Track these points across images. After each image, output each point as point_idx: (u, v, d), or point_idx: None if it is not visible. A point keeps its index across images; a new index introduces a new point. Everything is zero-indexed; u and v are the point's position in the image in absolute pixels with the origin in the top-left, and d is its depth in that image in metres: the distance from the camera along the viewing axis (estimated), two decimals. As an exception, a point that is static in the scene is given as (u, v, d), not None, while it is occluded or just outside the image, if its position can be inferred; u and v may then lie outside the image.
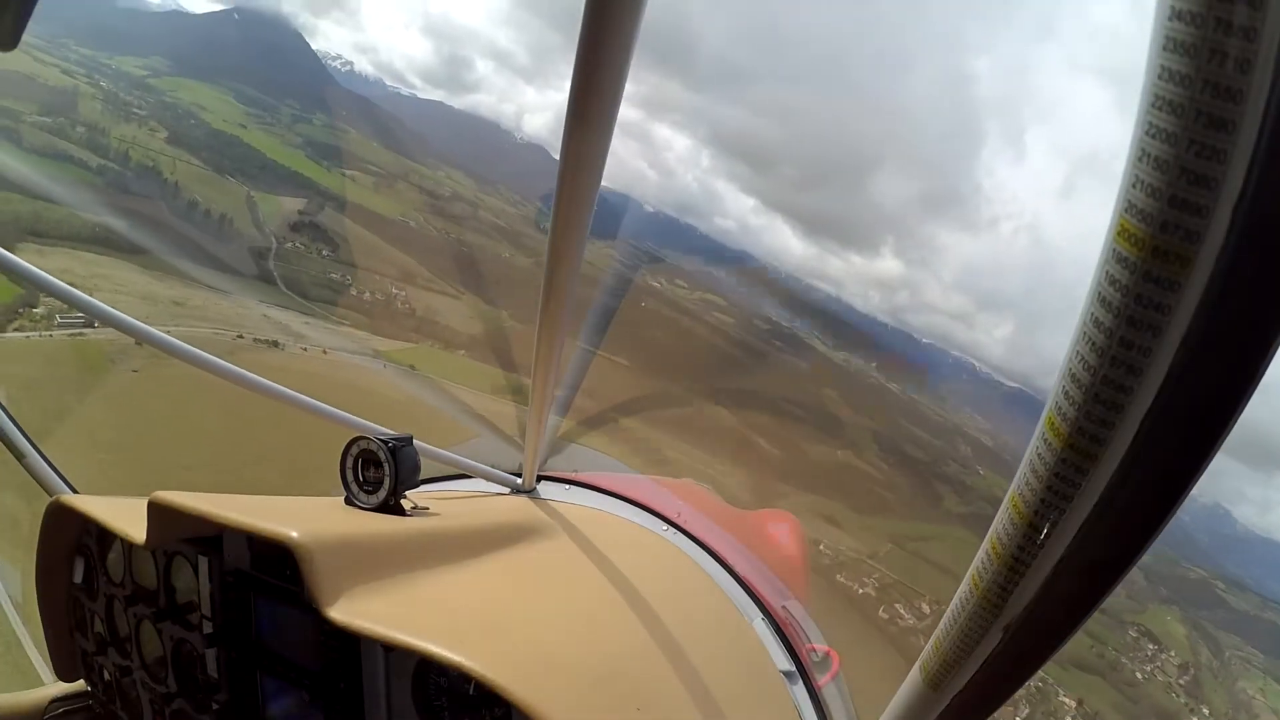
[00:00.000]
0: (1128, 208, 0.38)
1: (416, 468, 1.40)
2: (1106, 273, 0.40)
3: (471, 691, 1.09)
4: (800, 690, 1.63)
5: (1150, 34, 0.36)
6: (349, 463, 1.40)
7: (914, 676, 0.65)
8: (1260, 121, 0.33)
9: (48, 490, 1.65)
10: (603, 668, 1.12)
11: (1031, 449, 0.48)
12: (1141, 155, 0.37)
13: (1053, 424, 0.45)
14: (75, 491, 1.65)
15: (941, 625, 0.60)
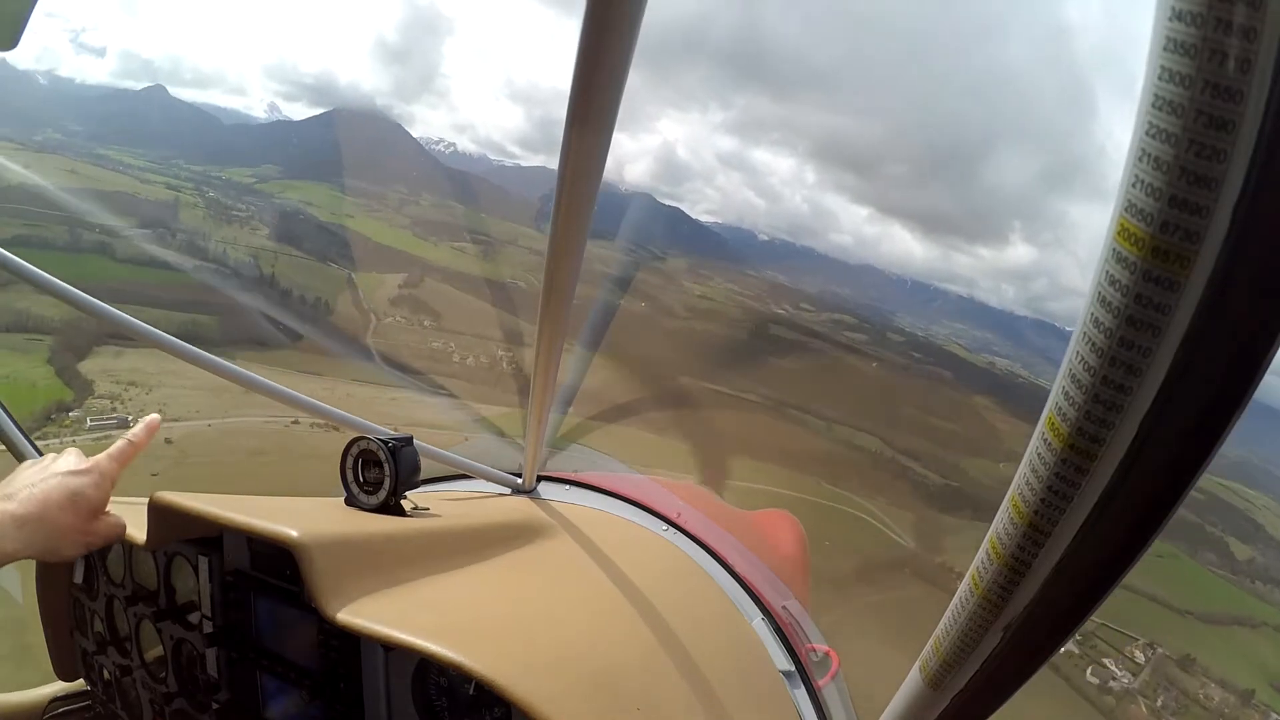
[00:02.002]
0: (1128, 207, 0.38)
1: (416, 468, 1.40)
2: (1106, 273, 0.40)
3: (471, 691, 1.09)
4: (800, 690, 1.63)
5: (1150, 34, 0.36)
6: (349, 463, 1.40)
7: (914, 676, 0.66)
8: (1260, 121, 0.33)
9: None
10: (603, 667, 1.12)
11: (1031, 449, 0.48)
12: (1141, 155, 0.37)
13: (1053, 424, 0.45)
14: None
15: (941, 625, 0.60)
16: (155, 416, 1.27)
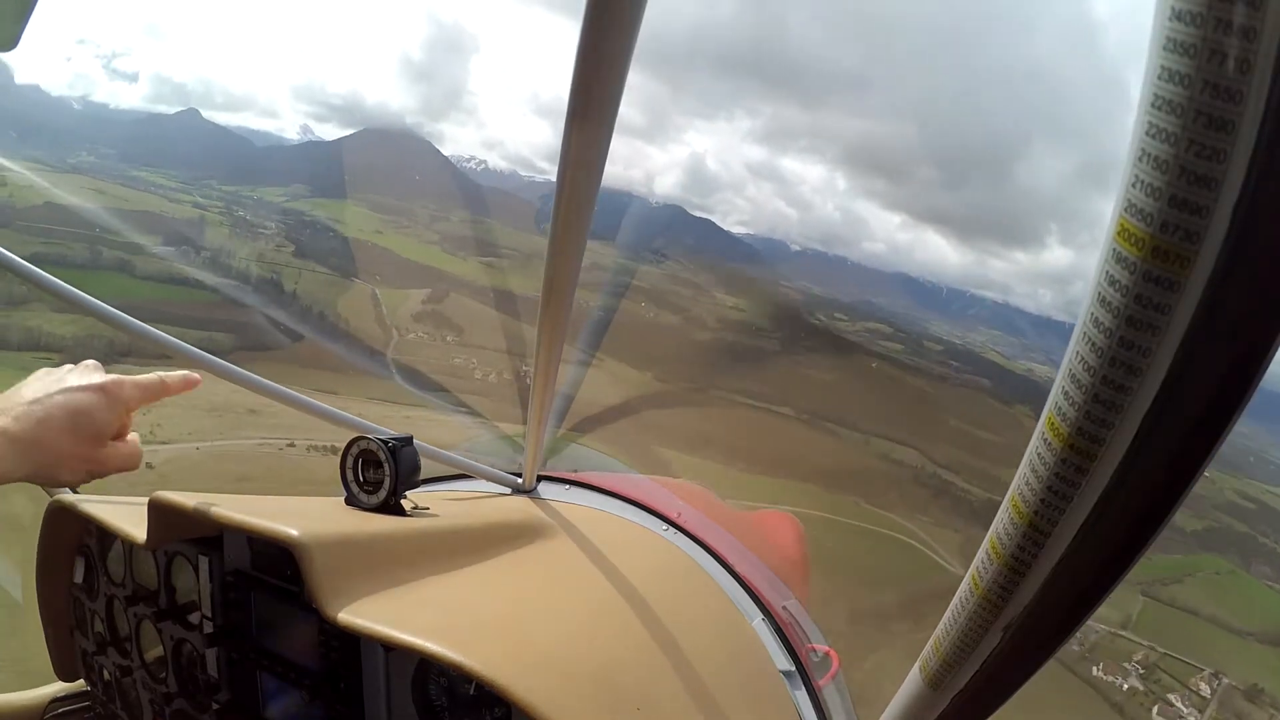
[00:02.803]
0: (1128, 208, 0.38)
1: (417, 468, 1.40)
2: (1106, 273, 0.40)
3: (472, 692, 1.09)
4: (800, 690, 1.63)
5: (1150, 34, 0.36)
6: (349, 463, 1.40)
7: (914, 676, 0.66)
8: (1260, 121, 0.33)
9: (48, 491, 1.66)
10: (603, 667, 1.12)
11: (1031, 449, 0.48)
12: (1141, 155, 0.37)
13: (1053, 424, 0.45)
14: (75, 492, 1.65)
15: (941, 625, 0.60)
16: (196, 375, 1.15)
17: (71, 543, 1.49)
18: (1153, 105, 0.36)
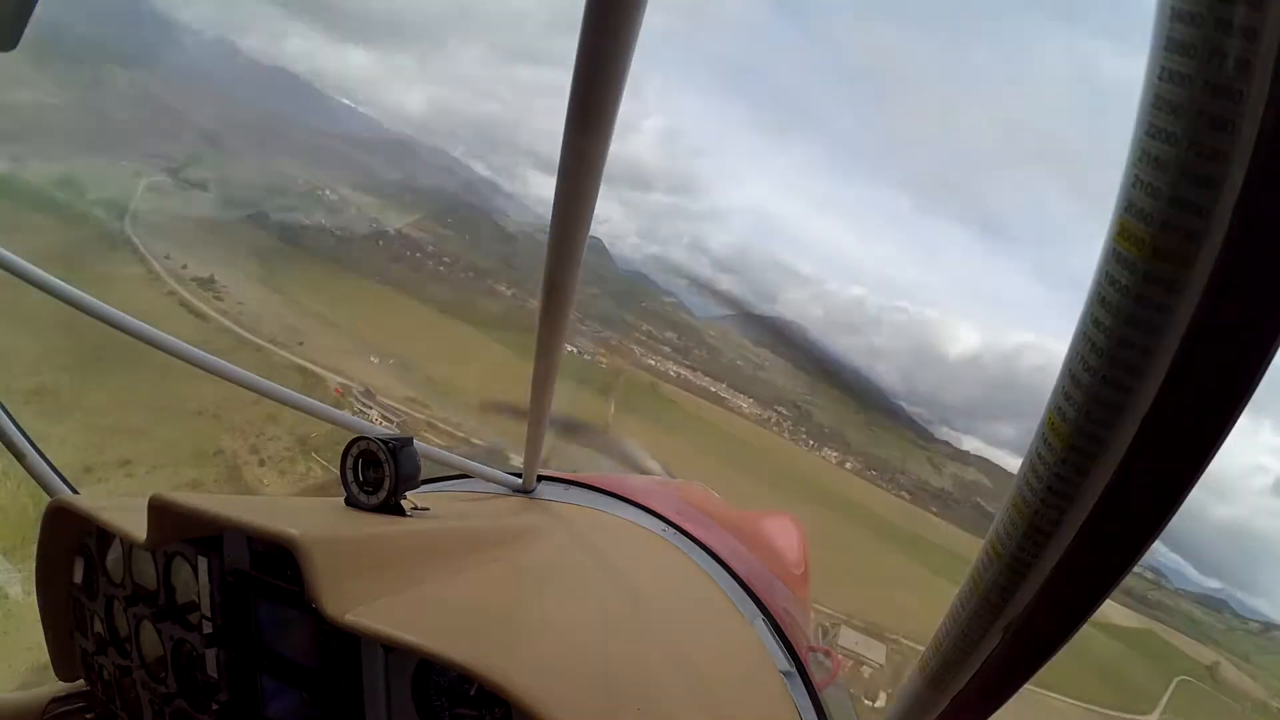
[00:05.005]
0: (1128, 208, 0.38)
1: (417, 468, 1.40)
2: (1106, 273, 0.40)
3: (472, 692, 1.09)
4: (800, 691, 1.63)
5: (1150, 34, 0.36)
6: (349, 463, 1.40)
7: (914, 676, 0.66)
8: (1260, 121, 0.33)
9: (48, 490, 1.66)
10: (602, 667, 1.12)
11: (1032, 449, 0.48)
12: (1141, 155, 0.37)
13: (1053, 424, 0.45)
14: (75, 492, 1.65)
15: (941, 625, 0.60)
16: None
17: (71, 543, 1.48)
18: (1153, 105, 0.36)
